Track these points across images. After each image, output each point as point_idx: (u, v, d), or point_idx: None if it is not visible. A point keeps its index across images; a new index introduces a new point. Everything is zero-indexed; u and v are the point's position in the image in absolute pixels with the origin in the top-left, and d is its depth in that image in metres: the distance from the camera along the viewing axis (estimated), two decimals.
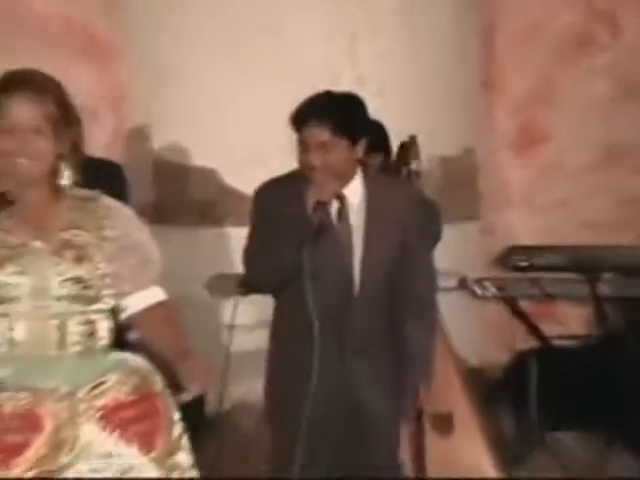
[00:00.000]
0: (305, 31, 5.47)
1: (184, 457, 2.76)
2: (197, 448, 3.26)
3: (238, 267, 5.10)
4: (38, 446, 2.58)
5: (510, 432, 5.39)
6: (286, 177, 3.56)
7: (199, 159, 5.47)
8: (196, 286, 5.15)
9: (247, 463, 4.94)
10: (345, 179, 3.49)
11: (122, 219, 2.83)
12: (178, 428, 2.77)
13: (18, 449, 2.56)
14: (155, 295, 2.89)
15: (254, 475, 4.61)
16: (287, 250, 3.40)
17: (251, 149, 5.24)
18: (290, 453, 3.49)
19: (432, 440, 4.37)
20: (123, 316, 2.84)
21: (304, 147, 3.43)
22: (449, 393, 4.63)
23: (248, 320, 4.97)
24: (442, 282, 4.74)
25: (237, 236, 5.15)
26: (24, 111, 2.61)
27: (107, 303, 2.74)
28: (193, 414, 4.72)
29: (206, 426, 5.08)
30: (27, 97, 2.61)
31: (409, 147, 4.22)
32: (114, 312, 2.80)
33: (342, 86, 3.68)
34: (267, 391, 3.74)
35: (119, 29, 5.88)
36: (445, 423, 4.62)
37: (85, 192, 2.79)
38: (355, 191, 3.53)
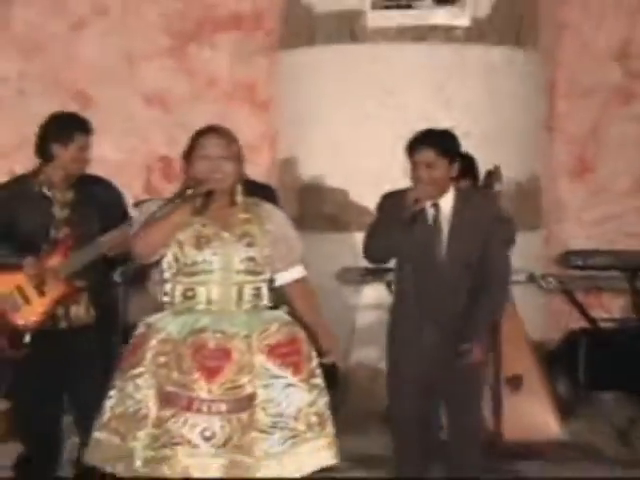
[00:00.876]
0: (411, 89, 5.37)
1: (319, 381, 2.91)
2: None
3: (361, 262, 5.15)
4: (228, 369, 2.78)
5: (564, 393, 5.16)
6: (397, 192, 3.58)
7: (333, 182, 5.38)
8: (328, 277, 5.07)
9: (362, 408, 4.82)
10: (442, 192, 3.50)
11: (277, 218, 3.03)
12: (314, 362, 2.92)
13: (216, 370, 2.77)
14: (298, 272, 3.07)
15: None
16: (390, 232, 3.46)
17: (373, 175, 5.13)
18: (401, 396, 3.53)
19: (507, 398, 4.27)
20: (276, 284, 3.03)
21: (415, 166, 3.47)
22: (521, 359, 4.53)
23: (368, 302, 4.90)
24: (515, 277, 4.64)
25: (359, 239, 5.35)
26: (216, 146, 2.90)
27: (267, 275, 2.94)
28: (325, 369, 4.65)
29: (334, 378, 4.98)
30: (218, 137, 2.92)
31: (494, 174, 4.16)
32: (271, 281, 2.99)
33: None
34: (387, 351, 3.66)
35: (274, 84, 5.82)
36: (517, 383, 4.51)
37: (251, 200, 3.01)
38: (447, 202, 3.52)
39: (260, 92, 5.95)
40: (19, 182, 3.92)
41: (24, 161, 5.52)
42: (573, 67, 6.07)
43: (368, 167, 5.22)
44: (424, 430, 3.57)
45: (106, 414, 2.86)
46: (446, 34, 5.41)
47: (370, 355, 4.93)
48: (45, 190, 3.84)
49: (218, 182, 2.88)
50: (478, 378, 3.64)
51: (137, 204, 3.84)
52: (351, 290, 5.13)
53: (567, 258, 5.14)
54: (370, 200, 4.93)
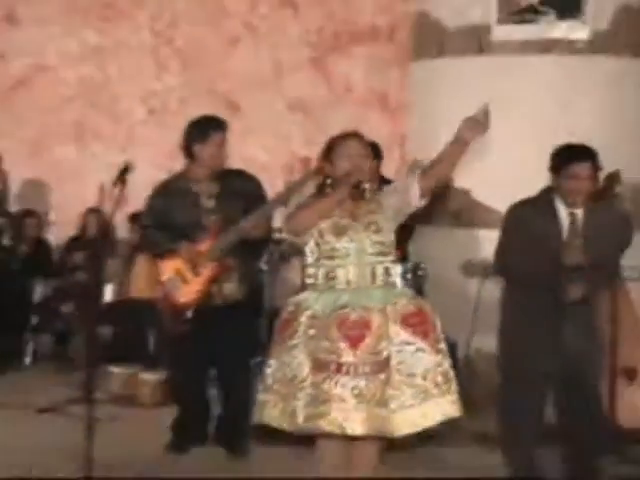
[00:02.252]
0: (535, 99, 5.06)
1: (444, 346, 2.97)
2: None
3: (482, 255, 4.95)
4: (369, 337, 2.87)
5: None
6: (533, 200, 3.40)
7: (458, 182, 5.10)
8: (452, 269, 4.94)
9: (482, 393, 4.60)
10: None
11: (388, 189, 3.11)
12: (439, 329, 2.98)
13: (359, 338, 2.86)
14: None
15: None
16: (541, 261, 3.29)
17: (495, 179, 4.91)
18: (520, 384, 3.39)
19: (622, 387, 3.90)
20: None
21: (574, 177, 3.30)
22: (635, 352, 4.18)
23: (490, 294, 4.66)
24: (630, 274, 4.34)
25: (482, 235, 5.06)
26: (356, 146, 3.02)
27: (394, 257, 3.04)
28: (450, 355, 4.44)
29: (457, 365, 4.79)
30: (358, 139, 3.04)
31: (614, 177, 3.85)
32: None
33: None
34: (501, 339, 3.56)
35: (405, 92, 5.68)
36: (631, 374, 4.18)
37: (374, 194, 3.05)
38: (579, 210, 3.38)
39: (392, 99, 5.88)
40: (170, 182, 4.01)
41: (182, 161, 5.65)
42: None
43: (491, 171, 4.97)
44: (537, 415, 3.41)
45: (268, 379, 2.96)
46: (569, 46, 5.10)
47: (489, 343, 4.73)
48: (193, 186, 3.89)
49: (362, 175, 2.97)
50: (597, 367, 3.47)
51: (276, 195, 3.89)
52: (473, 281, 4.89)
53: None
54: (492, 200, 4.84)
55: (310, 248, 3.00)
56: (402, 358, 2.86)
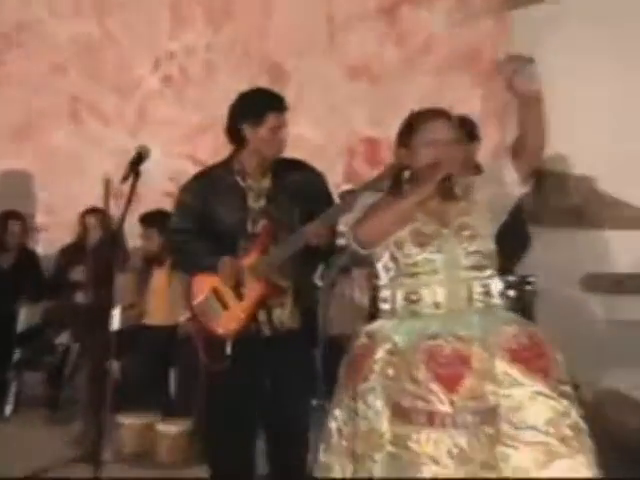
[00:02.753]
0: None
1: (569, 388, 2.88)
2: None
3: (613, 267, 4.98)
4: (469, 378, 2.82)
5: None
6: None
7: (579, 168, 5.25)
8: (570, 283, 4.99)
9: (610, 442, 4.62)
10: None
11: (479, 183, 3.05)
12: (561, 367, 2.90)
13: (456, 379, 2.83)
14: None
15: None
16: None
17: (629, 159, 4.94)
18: None
19: None
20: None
21: None
22: None
23: (621, 316, 4.69)
24: None
25: (613, 238, 5.10)
26: (445, 128, 3.00)
27: (494, 271, 2.99)
28: None
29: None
30: (445, 119, 3.02)
31: None
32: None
33: None
34: None
35: (502, 49, 5.63)
36: None
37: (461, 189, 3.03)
38: None
39: (485, 59, 5.87)
40: (210, 174, 4.01)
41: (209, 146, 5.73)
42: None
43: (622, 150, 5.02)
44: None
45: (334, 437, 2.97)
46: None
47: (623, 379, 4.75)
48: (239, 179, 3.92)
49: (451, 167, 2.94)
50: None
51: (342, 195, 3.84)
52: (598, 299, 4.99)
53: None
54: (623, 190, 4.84)
55: (384, 264, 3.01)
56: (514, 405, 2.80)
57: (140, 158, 3.55)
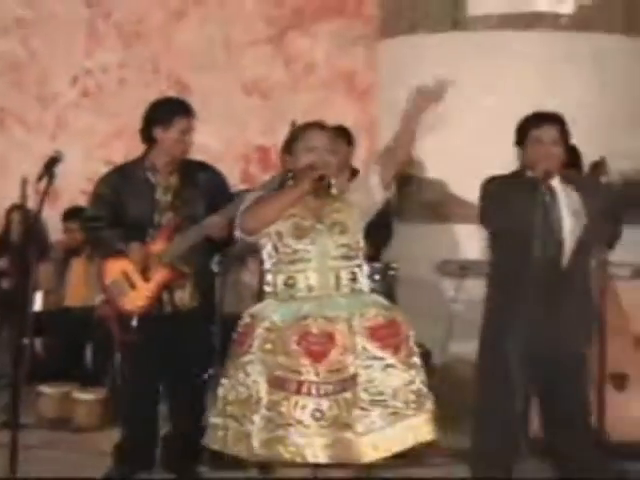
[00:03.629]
0: (515, 78, 5.43)
1: (417, 359, 3.12)
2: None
3: (459, 254, 5.23)
4: (333, 352, 3.01)
5: None
6: (503, 175, 3.64)
7: (434, 172, 5.48)
8: (426, 269, 5.18)
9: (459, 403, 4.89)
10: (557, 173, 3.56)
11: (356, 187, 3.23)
12: (411, 342, 3.13)
13: (322, 354, 3.01)
14: None
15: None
16: (515, 203, 3.48)
17: (475, 164, 5.07)
18: (495, 379, 3.56)
19: (610, 396, 4.27)
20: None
21: (540, 142, 3.52)
22: (625, 357, 4.51)
23: (468, 296, 4.95)
24: (620, 271, 4.63)
25: (461, 230, 5.36)
26: (322, 138, 3.17)
27: (360, 260, 3.16)
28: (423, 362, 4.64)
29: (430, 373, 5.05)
30: (323, 130, 3.19)
31: (600, 165, 4.17)
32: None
33: None
34: (483, 326, 3.71)
35: (374, 72, 5.94)
36: (621, 381, 4.49)
37: (337, 190, 3.22)
38: (556, 184, 3.55)
39: (359, 80, 6.09)
40: (124, 169, 4.11)
41: (123, 150, 5.77)
42: None
43: (470, 157, 5.29)
44: (519, 424, 3.56)
45: (220, 401, 3.11)
46: (552, 21, 5.45)
47: (468, 349, 4.96)
48: (149, 175, 4.01)
49: (326, 169, 3.12)
50: (585, 371, 3.67)
51: (239, 194, 3.99)
52: (449, 282, 5.19)
53: None
54: (472, 191, 4.99)
55: (268, 252, 3.14)
56: (370, 375, 3.00)
57: (54, 161, 3.61)
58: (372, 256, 4.56)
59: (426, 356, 5.01)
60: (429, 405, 3.08)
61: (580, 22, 5.47)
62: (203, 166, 4.15)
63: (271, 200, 3.14)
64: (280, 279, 3.12)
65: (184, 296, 4.03)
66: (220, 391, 3.12)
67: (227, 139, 6.07)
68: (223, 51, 6.13)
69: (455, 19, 5.56)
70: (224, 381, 3.13)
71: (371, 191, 3.14)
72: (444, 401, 4.48)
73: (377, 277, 4.59)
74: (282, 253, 3.11)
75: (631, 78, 5.58)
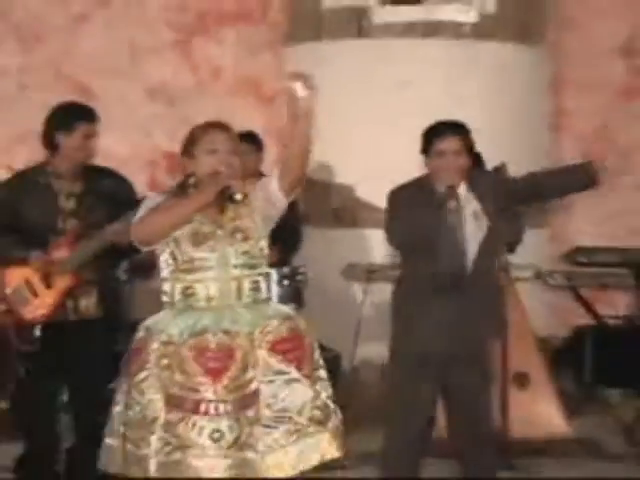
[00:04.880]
0: (419, 85, 5.45)
1: (322, 372, 2.94)
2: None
3: (366, 258, 5.22)
4: (232, 369, 2.81)
5: (569, 390, 5.19)
6: (409, 184, 3.60)
7: (341, 178, 5.47)
8: (334, 273, 5.14)
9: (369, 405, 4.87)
10: (462, 180, 3.53)
11: (259, 187, 2.98)
12: (317, 354, 2.96)
13: (221, 371, 2.81)
14: None
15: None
16: (420, 219, 3.45)
17: (380, 170, 5.17)
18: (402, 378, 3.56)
19: (513, 394, 4.33)
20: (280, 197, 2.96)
21: (442, 154, 3.49)
22: (526, 357, 4.57)
23: (375, 299, 4.93)
24: (521, 273, 4.70)
25: (368, 235, 5.36)
26: (224, 140, 2.93)
27: (264, 269, 2.96)
28: (331, 367, 4.61)
29: (340, 376, 5.02)
30: (225, 132, 2.95)
31: (500, 171, 4.16)
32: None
33: None
34: (392, 332, 3.66)
35: (280, 79, 5.81)
36: (523, 380, 4.56)
37: (239, 195, 2.95)
38: (462, 190, 3.53)
39: (265, 86, 6.03)
40: (26, 174, 3.95)
41: (25, 156, 5.56)
42: (579, 63, 6.16)
43: (376, 163, 5.28)
44: (425, 422, 3.59)
45: (114, 420, 2.91)
46: (454, 30, 5.51)
47: (377, 352, 4.96)
48: (52, 181, 3.87)
49: (230, 176, 2.90)
50: (490, 371, 3.68)
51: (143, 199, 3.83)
52: (356, 286, 5.17)
53: (573, 255, 5.21)
54: (379, 196, 5.00)
55: (165, 260, 2.91)
56: (272, 391, 2.81)
57: None
58: (280, 261, 4.53)
59: (336, 359, 5.01)
60: (335, 421, 2.90)
61: (481, 31, 5.53)
62: (108, 172, 4.01)
63: (170, 210, 2.88)
64: (178, 288, 2.89)
65: (89, 304, 3.88)
66: (114, 410, 2.91)
67: (132, 145, 5.91)
68: (127, 56, 5.98)
69: (360, 27, 5.54)
70: (118, 399, 2.91)
71: (272, 199, 2.92)
72: (353, 403, 4.49)
73: (285, 282, 4.56)
74: (180, 261, 2.88)
75: (528, 85, 5.67)
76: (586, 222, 6.06)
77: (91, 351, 3.87)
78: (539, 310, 5.12)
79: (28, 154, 5.47)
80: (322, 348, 5.05)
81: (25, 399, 4.04)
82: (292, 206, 3.33)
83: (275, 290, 4.45)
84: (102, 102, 5.57)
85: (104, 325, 3.95)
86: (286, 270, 4.59)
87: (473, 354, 3.55)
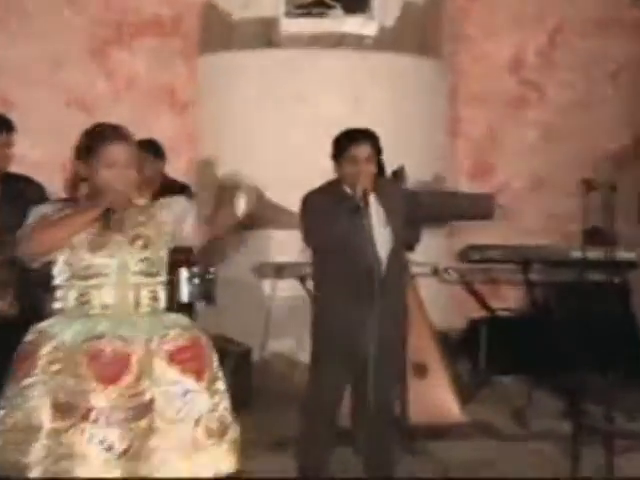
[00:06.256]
0: (323, 94, 5.53)
1: (221, 384, 2.75)
2: (244, 385, 3.12)
3: (274, 257, 5.25)
4: (127, 376, 2.61)
5: (465, 377, 5.36)
6: (322, 188, 3.63)
7: (250, 183, 5.43)
8: (246, 271, 5.16)
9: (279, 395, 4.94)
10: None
11: (172, 205, 2.84)
12: (216, 365, 2.77)
13: (114, 378, 2.60)
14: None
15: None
16: (336, 222, 3.46)
17: (288, 175, 5.24)
18: (322, 376, 3.57)
19: (412, 383, 4.39)
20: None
21: (355, 160, 3.51)
22: (425, 348, 4.66)
23: (283, 294, 4.98)
24: (419, 269, 4.79)
25: (275, 236, 5.43)
26: (123, 153, 2.72)
27: (164, 277, 2.77)
28: (242, 360, 4.65)
29: (250, 371, 5.05)
30: (125, 144, 2.72)
31: (399, 173, 4.23)
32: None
33: None
34: (314, 330, 3.65)
35: (193, 87, 5.92)
36: (421, 370, 4.63)
37: (144, 201, 2.83)
38: (372, 197, 3.58)
39: (179, 95, 6.03)
40: None
41: None
42: (472, 75, 6.34)
43: (283, 168, 5.34)
44: (336, 414, 3.64)
45: (1, 425, 2.64)
46: (357, 42, 5.60)
47: (285, 345, 5.01)
48: None
49: (122, 194, 2.71)
50: (402, 361, 3.77)
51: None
52: (267, 284, 5.20)
53: (467, 252, 5.24)
54: (284, 199, 5.09)
55: (59, 267, 2.68)
56: (168, 401, 2.61)
57: None
58: (189, 262, 4.52)
59: (247, 353, 5.04)
60: (233, 434, 2.70)
61: (381, 43, 5.63)
62: (24, 178, 4.02)
63: (61, 224, 2.65)
64: (72, 295, 2.67)
65: (3, 305, 3.84)
66: (1, 413, 2.64)
67: (48, 151, 5.71)
68: (46, 65, 5.89)
69: (269, 38, 5.60)
70: (3, 403, 2.65)
71: (184, 233, 2.77)
72: (264, 393, 4.52)
73: (196, 280, 4.50)
74: (76, 267, 2.65)
75: (427, 94, 5.80)
76: (478, 222, 6.17)
77: (7, 351, 3.76)
78: (436, 304, 5.22)
79: None
80: (233, 342, 5.14)
81: None
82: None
83: (186, 288, 4.46)
84: (20, 110, 5.52)
85: (22, 326, 3.89)
86: (196, 269, 4.52)
87: (387, 352, 3.55)
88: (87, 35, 5.98)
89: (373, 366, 3.49)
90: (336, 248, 3.52)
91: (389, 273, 3.55)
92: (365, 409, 3.62)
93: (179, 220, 2.78)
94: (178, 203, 2.86)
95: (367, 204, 3.49)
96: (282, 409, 4.58)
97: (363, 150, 3.51)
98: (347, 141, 3.54)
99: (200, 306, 4.55)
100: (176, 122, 5.92)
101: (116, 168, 2.69)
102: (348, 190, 3.52)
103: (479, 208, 3.43)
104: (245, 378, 4.83)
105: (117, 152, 2.69)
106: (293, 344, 5.07)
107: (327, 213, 3.49)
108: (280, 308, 5.03)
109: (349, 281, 3.48)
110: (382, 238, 3.54)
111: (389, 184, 3.82)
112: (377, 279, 3.47)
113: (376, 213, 3.55)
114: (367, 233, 3.47)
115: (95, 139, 2.72)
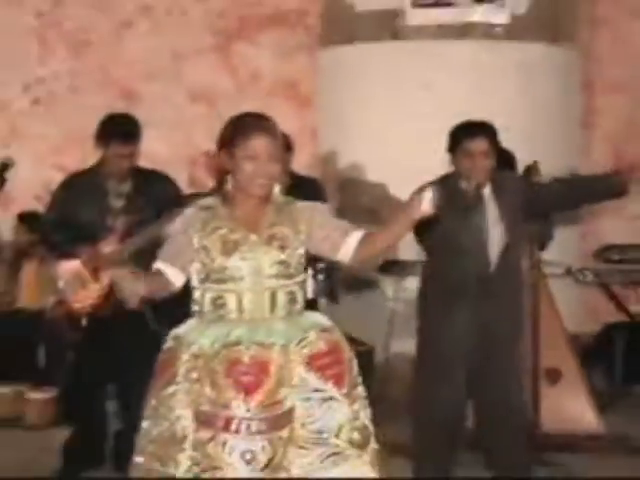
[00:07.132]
0: (451, 86, 5.29)
1: (361, 390, 2.61)
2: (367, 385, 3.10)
3: (400, 255, 5.10)
4: (266, 384, 2.50)
5: (600, 386, 5.00)
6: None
7: (373, 176, 5.33)
8: (370, 267, 5.00)
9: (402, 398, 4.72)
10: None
11: (313, 214, 2.65)
12: (355, 370, 2.62)
13: (254, 386, 2.50)
14: (357, 235, 2.64)
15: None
16: (449, 220, 3.26)
17: (412, 169, 4.97)
18: (432, 379, 3.51)
19: (545, 389, 4.22)
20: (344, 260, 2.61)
21: (471, 154, 3.40)
22: (558, 352, 4.43)
23: (407, 293, 4.82)
24: (552, 270, 4.58)
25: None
26: (265, 146, 2.57)
27: (302, 277, 2.61)
28: (366, 360, 4.55)
29: (374, 370, 4.90)
30: (267, 137, 2.58)
31: (533, 169, 4.09)
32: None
33: None
34: (420, 335, 3.61)
35: (316, 81, 5.83)
36: (554, 375, 4.43)
37: (284, 199, 2.67)
38: (486, 190, 3.45)
39: (302, 88, 5.97)
40: (80, 175, 4.04)
41: (75, 156, 5.61)
42: (609, 63, 5.97)
43: (407, 161, 5.13)
44: (457, 419, 3.49)
45: (143, 437, 2.60)
46: (485, 31, 5.35)
47: (409, 346, 4.86)
48: (103, 182, 3.95)
49: (263, 188, 2.58)
50: (517, 367, 3.57)
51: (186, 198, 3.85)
52: (391, 281, 5.07)
53: (604, 252, 5.05)
54: (409, 193, 4.95)
55: (196, 268, 2.59)
56: (309, 410, 2.51)
57: (5, 167, 3.52)
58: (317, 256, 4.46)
59: (369, 353, 4.92)
60: (374, 443, 2.57)
61: (512, 32, 5.35)
62: (155, 173, 4.09)
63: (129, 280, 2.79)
64: (208, 298, 2.58)
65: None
66: (143, 425, 2.58)
67: (175, 145, 5.89)
68: (170, 60, 5.96)
69: (394, 29, 5.41)
70: (147, 413, 2.58)
71: (337, 252, 2.60)
72: (387, 396, 4.37)
73: (320, 277, 4.43)
74: (210, 269, 2.56)
75: (559, 85, 5.49)
76: (617, 220, 5.84)
77: (137, 340, 3.82)
78: (570, 307, 4.96)
79: (77, 154, 5.52)
80: (356, 342, 4.99)
81: (74, 385, 4.12)
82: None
83: (310, 285, 4.39)
84: (146, 104, 5.63)
85: (143, 319, 3.85)
86: (321, 265, 4.38)
87: (500, 356, 3.44)
88: (211, 29, 6.00)
89: (488, 371, 3.36)
90: (445, 248, 3.40)
91: (500, 272, 3.39)
92: (491, 419, 3.45)
93: (335, 240, 2.60)
94: (336, 223, 2.68)
95: (480, 200, 3.35)
96: (404, 409, 4.45)
97: (478, 144, 3.37)
98: (462, 134, 3.41)
99: (322, 303, 4.48)
100: (299, 116, 5.85)
101: (257, 162, 2.55)
102: (463, 185, 3.38)
103: (611, 185, 3.28)
104: (368, 378, 4.71)
105: (259, 145, 2.55)
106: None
107: (438, 210, 3.33)
108: (403, 307, 4.89)
109: (455, 283, 3.37)
110: (495, 237, 3.39)
111: (510, 179, 3.61)
112: (487, 279, 3.36)
113: (492, 209, 3.41)
114: (477, 232, 3.35)
115: (237, 130, 2.61)
